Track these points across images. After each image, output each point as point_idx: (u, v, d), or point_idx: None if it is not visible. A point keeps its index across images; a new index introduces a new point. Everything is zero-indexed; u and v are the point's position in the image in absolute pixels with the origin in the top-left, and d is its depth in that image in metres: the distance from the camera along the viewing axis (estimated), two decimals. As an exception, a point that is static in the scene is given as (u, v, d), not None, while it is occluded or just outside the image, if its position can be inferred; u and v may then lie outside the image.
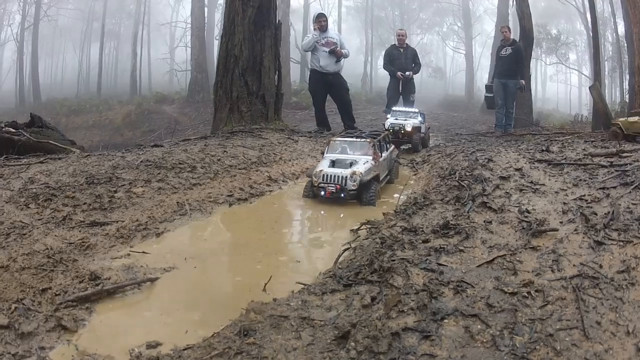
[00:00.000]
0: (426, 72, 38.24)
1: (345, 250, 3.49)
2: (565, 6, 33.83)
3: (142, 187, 4.79)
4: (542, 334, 2.08)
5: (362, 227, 4.11)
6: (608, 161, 4.61)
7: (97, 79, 36.19)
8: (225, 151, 6.42)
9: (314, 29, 10.24)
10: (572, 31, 39.88)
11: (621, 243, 2.78)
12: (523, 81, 11.72)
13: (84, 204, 4.23)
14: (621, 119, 8.48)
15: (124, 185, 4.73)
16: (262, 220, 4.58)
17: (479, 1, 42.51)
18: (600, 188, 3.77)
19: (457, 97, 34.21)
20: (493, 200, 3.88)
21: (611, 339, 2.04)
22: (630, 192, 3.54)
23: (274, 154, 6.91)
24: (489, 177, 4.58)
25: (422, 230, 3.46)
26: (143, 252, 3.64)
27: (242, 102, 9.95)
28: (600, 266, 2.58)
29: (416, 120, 8.64)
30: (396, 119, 8.60)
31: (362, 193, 5.06)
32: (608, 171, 4.21)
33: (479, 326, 2.18)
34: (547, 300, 2.33)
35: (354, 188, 4.98)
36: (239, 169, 5.93)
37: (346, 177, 4.99)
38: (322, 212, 4.90)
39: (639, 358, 1.94)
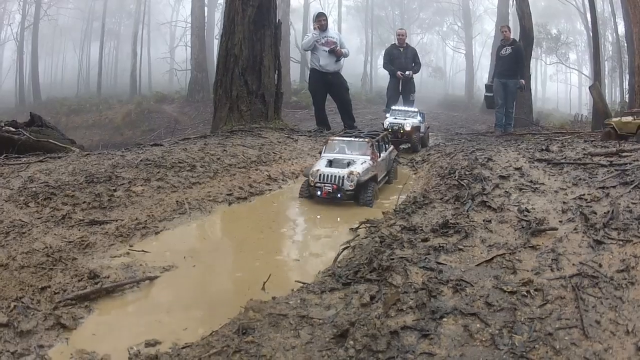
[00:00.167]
0: (426, 72, 38.25)
1: (344, 249, 3.49)
2: (566, 6, 33.87)
3: (141, 186, 4.78)
4: (542, 333, 2.08)
5: (361, 226, 4.10)
6: (608, 160, 4.60)
7: (97, 79, 36.18)
8: (224, 150, 6.42)
9: (314, 29, 10.23)
10: (572, 31, 39.90)
11: (621, 242, 2.78)
12: (523, 81, 11.72)
13: (84, 202, 4.23)
14: (614, 119, 8.56)
15: (123, 184, 4.72)
16: (262, 219, 4.58)
17: (479, 1, 42.53)
18: (600, 187, 3.76)
19: (457, 96, 34.24)
20: (492, 200, 3.88)
21: (611, 338, 2.04)
22: (629, 191, 3.53)
23: (274, 153, 6.91)
24: (488, 177, 4.58)
25: (422, 229, 3.46)
26: (142, 251, 3.63)
27: (241, 101, 9.95)
28: (600, 265, 2.58)
29: (415, 120, 8.60)
30: (395, 119, 8.57)
31: (359, 193, 5.00)
32: (608, 170, 4.20)
33: (478, 325, 2.18)
34: (547, 299, 2.33)
35: (350, 188, 4.93)
36: (239, 168, 5.93)
37: (343, 177, 4.93)
38: (321, 211, 4.89)
39: (638, 357, 1.93)
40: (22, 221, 3.72)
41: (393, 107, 9.52)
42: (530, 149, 6.07)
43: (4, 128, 7.01)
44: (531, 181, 4.27)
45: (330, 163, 5.25)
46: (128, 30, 41.68)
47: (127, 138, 21.40)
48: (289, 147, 7.48)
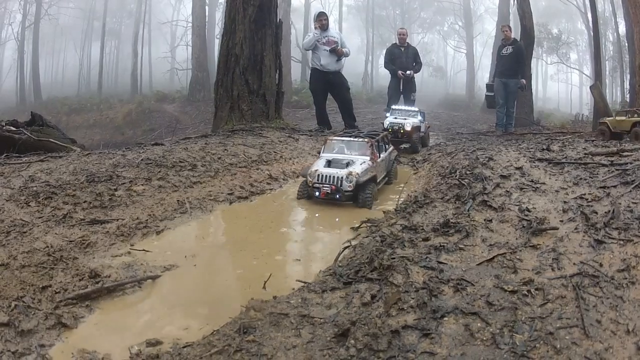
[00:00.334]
0: (427, 71, 38.28)
1: (345, 248, 3.49)
2: (566, 5, 33.87)
3: (142, 185, 4.79)
4: (542, 333, 2.08)
5: (362, 226, 4.10)
6: (608, 160, 4.60)
7: (98, 78, 36.24)
8: (225, 150, 6.42)
9: (315, 28, 10.23)
10: (573, 30, 39.85)
11: (621, 242, 2.78)
12: (524, 80, 11.73)
13: (85, 202, 4.23)
14: (609, 118, 8.66)
15: (124, 183, 4.73)
16: (263, 219, 4.58)
17: (480, 0, 42.57)
18: (601, 187, 3.76)
19: (457, 96, 34.27)
20: (493, 199, 3.87)
21: (611, 338, 2.04)
22: (630, 191, 3.53)
23: (275, 152, 6.91)
24: (489, 176, 4.58)
25: (422, 229, 3.46)
26: (143, 250, 3.63)
27: (242, 100, 9.95)
28: (601, 265, 2.57)
29: (416, 120, 8.54)
30: (395, 118, 8.51)
31: (358, 194, 4.92)
32: (608, 170, 4.20)
33: (478, 324, 2.18)
34: (547, 299, 2.33)
35: (349, 189, 4.85)
36: (240, 167, 5.93)
37: (342, 177, 4.86)
38: (322, 210, 4.88)
39: (639, 357, 1.93)
40: (23, 220, 3.73)
41: (393, 107, 9.49)
42: (531, 148, 6.07)
43: (4, 127, 7.02)
44: (532, 181, 4.26)
45: (329, 163, 5.18)
46: (129, 29, 41.74)
47: (128, 137, 21.45)
48: (290, 147, 7.48)
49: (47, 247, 3.38)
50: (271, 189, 5.59)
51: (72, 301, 2.80)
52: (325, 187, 4.89)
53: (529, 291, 2.39)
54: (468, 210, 3.70)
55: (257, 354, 2.12)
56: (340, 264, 3.16)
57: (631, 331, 2.06)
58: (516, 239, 3.09)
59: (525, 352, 1.98)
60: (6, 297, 2.75)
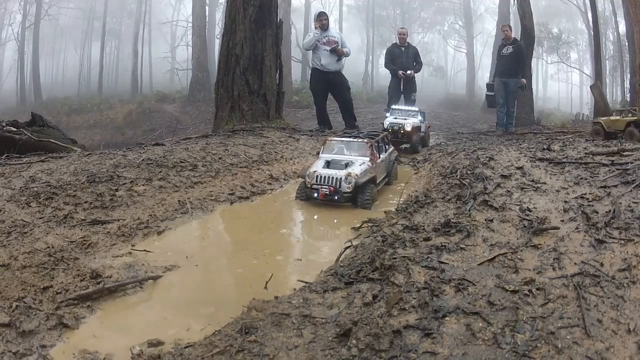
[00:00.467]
0: (427, 71, 38.30)
1: (346, 248, 3.49)
2: (567, 5, 33.88)
3: (143, 185, 4.79)
4: (544, 332, 2.08)
5: (363, 225, 4.10)
6: (609, 160, 4.59)
7: (98, 78, 36.26)
8: (226, 150, 6.42)
9: (315, 28, 10.23)
10: (573, 30, 39.86)
11: (622, 241, 2.78)
12: (524, 80, 11.73)
13: (85, 202, 4.23)
14: (603, 118, 8.80)
15: (125, 183, 4.73)
16: (263, 219, 4.58)
17: (480, 0, 42.53)
18: (602, 187, 3.76)
19: (458, 95, 34.29)
20: (494, 199, 3.87)
21: (612, 337, 2.04)
22: (631, 190, 3.53)
23: (275, 152, 6.91)
24: (490, 176, 4.58)
25: (424, 229, 3.46)
26: (144, 251, 3.63)
27: (243, 100, 9.95)
28: (602, 264, 2.58)
29: (416, 120, 8.53)
30: (395, 118, 8.50)
31: (357, 196, 4.88)
32: (609, 170, 4.20)
33: (480, 324, 2.18)
34: (548, 298, 2.33)
35: (348, 190, 4.79)
36: (240, 167, 5.93)
37: (341, 178, 4.81)
38: (323, 210, 4.88)
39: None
40: (24, 221, 3.73)
41: (393, 107, 9.48)
42: (532, 148, 6.06)
43: (5, 128, 7.02)
44: (533, 180, 4.27)
45: (328, 164, 5.13)
46: (129, 29, 41.75)
47: (128, 138, 21.46)
48: (291, 147, 7.48)
49: (48, 247, 3.38)
50: (272, 189, 5.59)
51: (73, 302, 2.80)
52: (324, 188, 4.85)
53: (530, 291, 2.40)
54: (469, 210, 3.71)
55: (259, 354, 2.12)
56: (341, 264, 3.16)
57: (632, 330, 2.06)
58: (517, 238, 3.09)
59: (526, 352, 1.98)
60: (7, 298, 2.75)
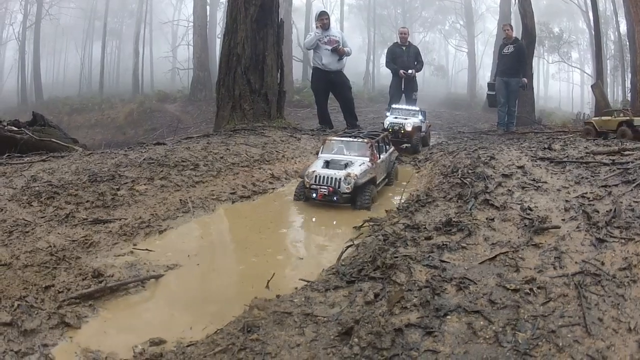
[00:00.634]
0: (428, 71, 38.31)
1: (348, 247, 3.49)
2: (568, 4, 33.80)
3: (145, 184, 4.79)
4: (544, 331, 2.09)
5: (364, 224, 4.10)
6: (610, 159, 4.60)
7: (99, 78, 36.26)
8: (227, 149, 6.42)
9: (316, 27, 10.20)
10: (574, 29, 39.79)
11: (623, 240, 2.78)
12: (525, 79, 11.70)
13: (87, 201, 4.24)
14: (595, 118, 8.94)
15: (126, 183, 4.73)
16: (265, 218, 4.59)
17: (481, -1, 42.50)
18: (602, 186, 3.76)
19: (459, 95, 34.24)
20: (495, 198, 3.88)
21: (613, 336, 2.04)
22: (632, 190, 3.54)
23: (277, 151, 6.91)
24: (491, 175, 4.58)
25: (425, 228, 3.46)
26: (146, 250, 3.64)
27: (244, 100, 9.96)
28: (602, 263, 2.58)
29: (417, 119, 8.49)
30: (396, 118, 8.46)
31: (356, 196, 4.81)
32: (610, 169, 4.20)
33: (481, 322, 2.19)
34: (549, 297, 2.33)
35: (347, 191, 4.74)
36: (242, 166, 5.94)
37: (340, 179, 4.76)
38: (325, 209, 4.88)
39: (641, 355, 1.94)
40: (26, 220, 3.74)
41: (394, 106, 9.45)
42: (533, 147, 6.07)
43: (6, 127, 7.03)
44: (534, 179, 4.27)
45: (327, 164, 5.06)
46: (130, 29, 41.76)
47: (129, 137, 21.44)
48: (292, 146, 7.48)
49: (50, 246, 3.39)
50: (273, 189, 5.59)
51: (75, 301, 2.81)
52: (323, 188, 4.80)
53: (531, 290, 2.40)
54: (470, 209, 3.71)
55: (261, 352, 2.13)
56: (343, 263, 3.17)
57: (633, 329, 2.06)
58: (518, 237, 3.10)
59: (527, 350, 1.98)
60: (9, 297, 2.75)
